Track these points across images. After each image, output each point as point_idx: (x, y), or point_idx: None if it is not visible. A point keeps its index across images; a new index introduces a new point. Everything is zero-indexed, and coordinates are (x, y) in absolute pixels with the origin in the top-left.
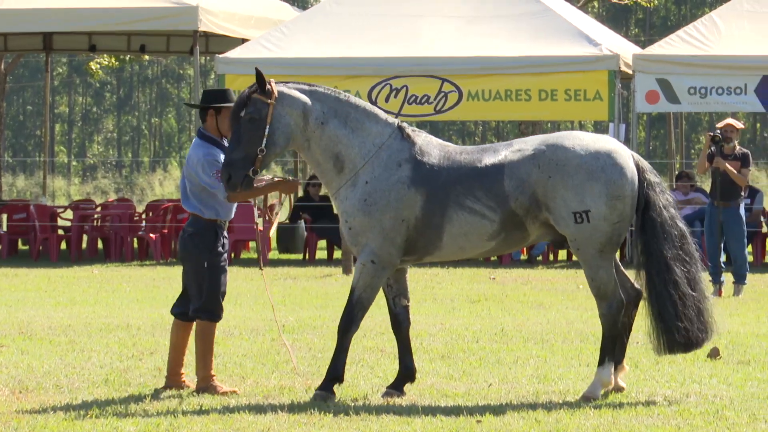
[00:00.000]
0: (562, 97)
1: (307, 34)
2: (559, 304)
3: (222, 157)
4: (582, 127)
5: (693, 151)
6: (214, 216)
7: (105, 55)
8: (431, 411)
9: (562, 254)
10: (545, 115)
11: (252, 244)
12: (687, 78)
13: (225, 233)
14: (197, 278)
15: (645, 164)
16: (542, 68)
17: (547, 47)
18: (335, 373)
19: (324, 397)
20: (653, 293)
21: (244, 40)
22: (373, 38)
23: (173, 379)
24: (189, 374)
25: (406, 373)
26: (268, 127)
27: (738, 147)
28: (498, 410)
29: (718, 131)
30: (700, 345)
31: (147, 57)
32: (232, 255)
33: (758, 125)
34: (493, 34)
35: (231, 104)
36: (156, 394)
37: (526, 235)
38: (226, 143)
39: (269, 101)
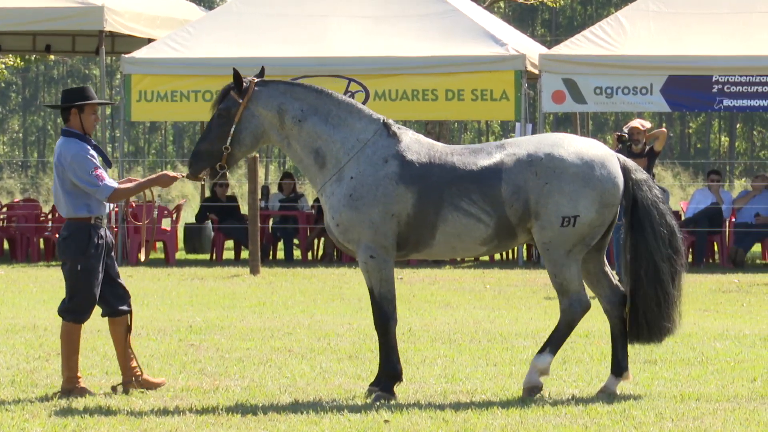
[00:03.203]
0: (468, 97)
1: (213, 35)
2: (466, 303)
3: (92, 152)
4: (488, 126)
5: None
6: (86, 213)
7: (10, 55)
8: (339, 411)
9: None
10: (452, 115)
11: (159, 244)
12: (593, 78)
13: (103, 231)
14: (71, 280)
15: (630, 164)
16: (449, 68)
17: (453, 47)
18: (393, 371)
19: (386, 398)
20: (639, 293)
21: (150, 40)
22: (280, 38)
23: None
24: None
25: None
26: (234, 125)
27: (646, 146)
28: (406, 410)
29: (625, 131)
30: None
31: (52, 57)
32: (140, 256)
33: (664, 125)
34: (400, 34)
35: (92, 101)
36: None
37: (515, 242)
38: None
39: (240, 101)
